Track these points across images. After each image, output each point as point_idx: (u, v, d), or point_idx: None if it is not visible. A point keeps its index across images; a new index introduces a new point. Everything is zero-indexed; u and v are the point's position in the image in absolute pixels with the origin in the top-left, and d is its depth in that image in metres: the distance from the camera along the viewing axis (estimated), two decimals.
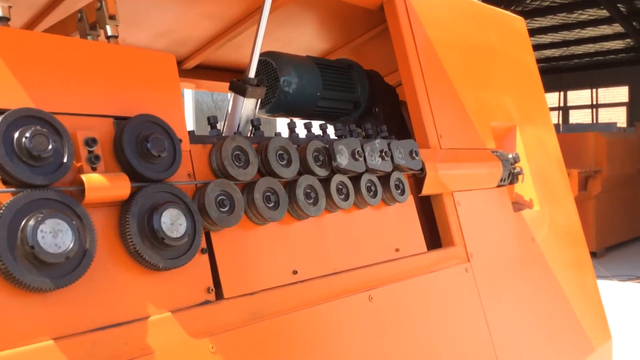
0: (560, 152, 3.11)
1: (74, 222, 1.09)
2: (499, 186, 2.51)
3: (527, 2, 14.92)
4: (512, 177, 2.58)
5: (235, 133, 1.75)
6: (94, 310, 1.16)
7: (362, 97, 2.53)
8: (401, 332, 1.82)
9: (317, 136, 1.85)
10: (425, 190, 2.11)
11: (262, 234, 1.52)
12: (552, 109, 21.57)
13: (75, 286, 1.12)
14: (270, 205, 1.50)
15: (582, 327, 2.74)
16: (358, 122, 2.58)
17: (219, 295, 1.39)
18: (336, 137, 1.91)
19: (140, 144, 1.26)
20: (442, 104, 2.35)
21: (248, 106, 1.72)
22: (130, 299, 1.22)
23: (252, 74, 1.72)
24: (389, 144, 1.91)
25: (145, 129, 1.28)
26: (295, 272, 1.56)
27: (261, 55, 2.19)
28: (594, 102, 20.97)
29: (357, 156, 1.75)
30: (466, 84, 2.54)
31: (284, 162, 1.57)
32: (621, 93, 20.43)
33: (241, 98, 1.70)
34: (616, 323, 5.60)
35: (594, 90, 20.78)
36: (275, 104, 2.23)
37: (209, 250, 1.40)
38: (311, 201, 1.61)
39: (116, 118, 1.29)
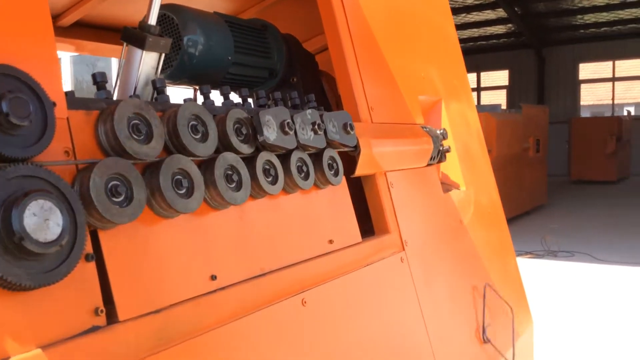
0: (480, 127, 2.97)
1: None
2: (428, 165, 2.29)
3: None
4: (440, 155, 2.36)
5: (131, 97, 1.34)
6: None
7: (279, 64, 2.19)
8: (337, 337, 1.53)
9: (237, 104, 1.50)
10: (360, 171, 1.82)
11: (169, 230, 1.15)
12: None
13: None
14: (182, 191, 1.14)
15: (508, 313, 2.62)
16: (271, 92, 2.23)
17: (112, 317, 1.01)
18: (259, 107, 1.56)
19: None
20: (372, 73, 2.06)
21: (148, 62, 1.32)
22: None
23: (152, 19, 1.32)
24: (321, 116, 1.59)
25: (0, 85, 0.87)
26: (213, 278, 1.21)
27: (160, 8, 1.78)
28: (478, 85, 21.96)
29: (287, 129, 1.42)
30: (394, 53, 2.27)
31: (199, 136, 1.21)
32: (502, 76, 21.56)
33: (138, 51, 1.30)
34: None
35: (478, 73, 21.75)
36: (178, 69, 1.83)
37: (97, 257, 1.01)
38: (233, 185, 1.26)
39: None
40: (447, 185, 2.51)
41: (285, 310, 1.37)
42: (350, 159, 1.82)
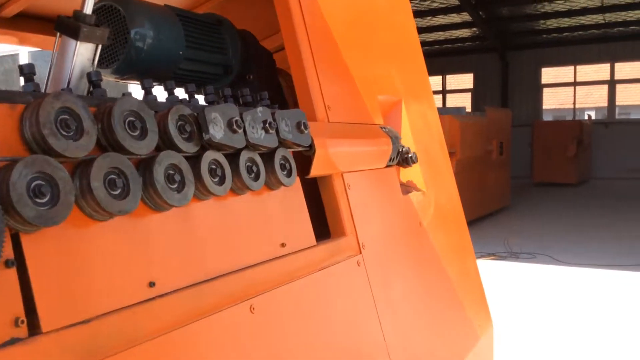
0: (441, 129, 2.94)
1: None
2: (387, 166, 2.24)
3: None
4: (400, 156, 2.32)
5: (63, 90, 1.26)
6: None
7: (234, 60, 2.12)
8: (288, 344, 1.47)
9: (182, 101, 1.42)
10: (315, 171, 1.76)
11: (102, 233, 1.07)
12: None
13: None
14: (116, 192, 1.06)
15: (468, 316, 2.60)
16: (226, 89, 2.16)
17: (34, 328, 0.93)
18: (207, 104, 1.49)
19: None
20: (330, 72, 2.01)
21: (83, 53, 1.24)
22: None
23: (88, 8, 1.24)
24: (273, 114, 1.53)
25: None
26: (152, 285, 1.13)
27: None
28: (444, 88, 22.20)
29: (235, 127, 1.35)
30: (353, 52, 2.22)
31: (136, 133, 1.13)
32: (467, 80, 21.84)
33: (72, 42, 1.22)
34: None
35: (443, 76, 21.99)
36: (125, 63, 1.75)
37: (19, 263, 0.93)
38: (175, 186, 1.19)
39: None
40: (407, 187, 2.47)
41: (231, 318, 1.30)
42: (306, 159, 1.76)
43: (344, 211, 1.87)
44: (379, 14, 2.58)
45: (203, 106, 1.34)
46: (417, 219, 2.39)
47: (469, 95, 21.77)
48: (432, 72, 21.96)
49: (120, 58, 1.73)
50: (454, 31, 19.31)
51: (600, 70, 20.32)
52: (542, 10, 17.07)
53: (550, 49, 19.79)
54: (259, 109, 1.46)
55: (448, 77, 22.24)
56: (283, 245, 1.55)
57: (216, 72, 2.08)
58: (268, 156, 1.52)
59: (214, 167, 1.31)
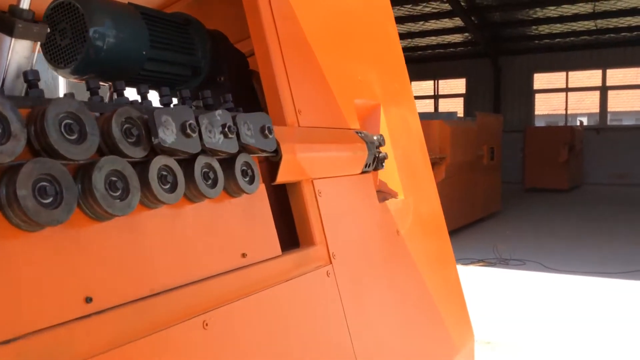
0: (422, 134, 2.87)
1: None
2: (363, 172, 2.17)
3: None
4: (377, 162, 2.25)
5: None
6: None
7: (203, 61, 2.04)
8: None
9: (133, 102, 1.34)
10: (281, 178, 1.69)
11: (31, 245, 0.99)
12: None
13: None
14: (47, 200, 0.98)
15: (447, 328, 2.52)
16: (196, 92, 2.09)
17: None
18: (161, 106, 1.41)
19: None
20: (301, 74, 1.94)
21: (19, 51, 1.16)
22: None
23: (25, 3, 1.16)
24: (234, 118, 1.45)
25: None
26: (88, 300, 1.05)
27: None
28: (436, 93, 22.20)
29: (189, 131, 1.27)
30: (329, 54, 2.15)
31: (74, 137, 1.05)
32: (459, 85, 21.84)
33: (7, 39, 1.14)
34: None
35: (436, 81, 21.98)
36: (83, 63, 1.66)
37: None
38: (118, 193, 1.11)
39: None
40: (384, 194, 2.40)
41: (180, 335, 1.22)
42: (275, 165, 1.69)
43: (313, 219, 1.79)
44: (358, 19, 2.51)
45: (154, 108, 1.26)
46: (394, 227, 2.31)
47: (461, 100, 21.77)
48: (424, 76, 22.04)
49: (78, 58, 1.65)
50: (446, 36, 19.32)
51: (592, 77, 20.37)
52: (534, 16, 17.09)
53: (543, 55, 19.81)
54: (218, 112, 1.39)
55: (441, 82, 22.25)
56: (244, 255, 1.47)
57: (184, 74, 2.00)
58: (228, 162, 1.44)
59: (164, 173, 1.23)
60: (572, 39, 18.83)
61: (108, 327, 1.07)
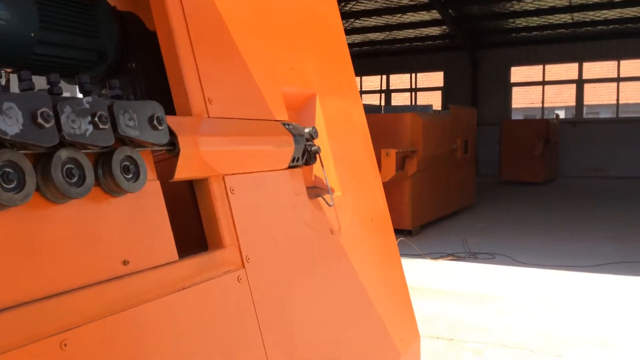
0: (367, 128, 2.71)
1: None
2: (290, 167, 2.01)
3: None
4: (308, 156, 2.09)
5: None
6: None
7: (110, 45, 1.86)
8: None
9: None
10: (181, 174, 1.51)
11: None
12: (375, 91, 22.40)
13: None
14: None
15: (388, 330, 2.38)
16: (105, 79, 1.90)
17: None
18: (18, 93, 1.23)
19: None
20: (213, 58, 1.76)
21: None
22: None
23: None
24: (110, 106, 1.28)
25: None
26: None
27: None
28: (413, 86, 22.10)
29: (41, 121, 1.09)
30: (253, 38, 1.98)
31: None
32: (437, 78, 21.76)
33: None
34: (428, 302, 5.62)
35: (414, 74, 21.88)
36: None
37: None
38: None
39: None
40: (318, 190, 2.24)
41: (29, 358, 1.04)
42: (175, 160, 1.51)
43: (223, 219, 1.63)
44: (295, 7, 2.34)
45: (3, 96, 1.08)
46: (327, 226, 2.15)
47: (439, 93, 21.70)
48: (401, 70, 21.88)
49: None
50: (423, 29, 19.19)
51: (569, 70, 20.42)
52: (511, 9, 17.03)
53: (520, 48, 19.79)
54: (86, 98, 1.21)
55: (419, 75, 22.14)
56: (125, 262, 1.30)
57: (87, 59, 1.82)
58: (105, 156, 1.27)
59: (8, 170, 1.06)
60: (549, 32, 18.82)
61: None
